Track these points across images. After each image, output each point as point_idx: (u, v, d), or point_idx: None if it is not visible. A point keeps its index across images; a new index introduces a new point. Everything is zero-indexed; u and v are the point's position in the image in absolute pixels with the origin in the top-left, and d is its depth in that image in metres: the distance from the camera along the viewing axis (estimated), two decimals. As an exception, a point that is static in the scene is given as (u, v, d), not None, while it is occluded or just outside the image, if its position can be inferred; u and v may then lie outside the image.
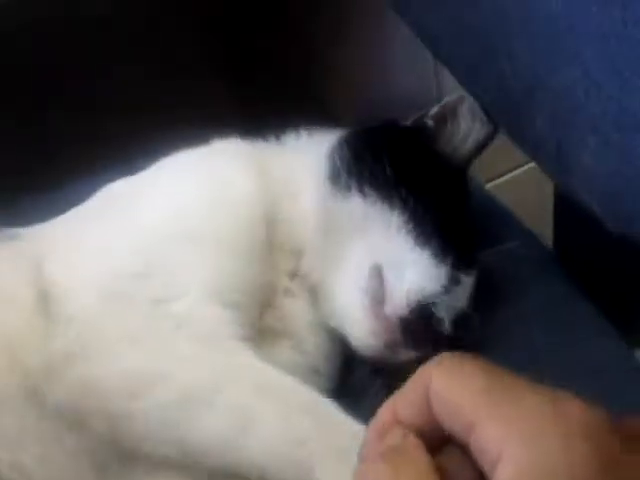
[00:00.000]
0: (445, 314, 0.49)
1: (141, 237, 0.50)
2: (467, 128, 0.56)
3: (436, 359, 0.31)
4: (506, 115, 0.53)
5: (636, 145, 0.40)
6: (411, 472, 0.29)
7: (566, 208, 0.65)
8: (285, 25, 0.85)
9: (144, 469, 0.44)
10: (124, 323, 0.46)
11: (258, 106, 0.57)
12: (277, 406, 0.43)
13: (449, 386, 0.30)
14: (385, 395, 0.32)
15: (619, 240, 0.45)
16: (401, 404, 0.31)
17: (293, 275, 0.54)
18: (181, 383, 0.43)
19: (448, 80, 0.57)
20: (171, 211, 0.52)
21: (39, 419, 0.43)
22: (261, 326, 0.51)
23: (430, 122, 0.56)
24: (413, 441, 0.30)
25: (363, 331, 0.50)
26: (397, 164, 0.53)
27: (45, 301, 0.47)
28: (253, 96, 0.56)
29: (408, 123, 0.58)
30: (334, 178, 0.53)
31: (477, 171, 0.61)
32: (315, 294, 0.54)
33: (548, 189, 0.67)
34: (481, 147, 0.57)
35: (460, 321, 0.51)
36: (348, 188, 0.52)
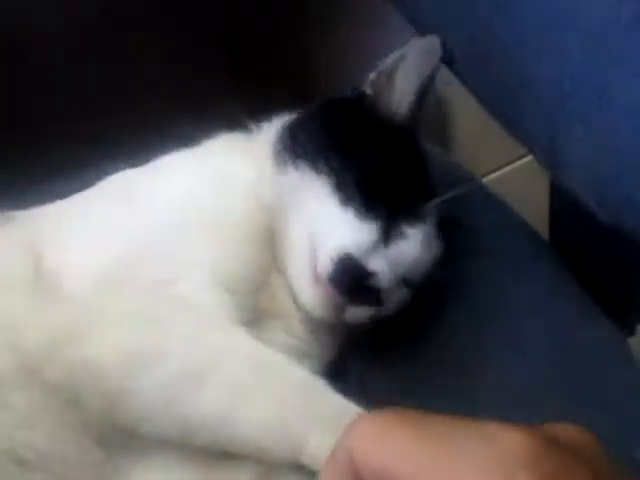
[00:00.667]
0: (384, 268, 0.50)
1: (144, 220, 0.51)
2: (403, 88, 0.56)
3: (353, 423, 0.30)
4: (501, 109, 0.54)
5: (621, 135, 0.41)
6: None
7: (562, 201, 0.66)
8: (285, 25, 0.85)
9: (147, 445, 0.45)
10: (123, 304, 0.46)
11: (258, 106, 0.58)
12: (272, 383, 0.44)
13: (376, 453, 0.28)
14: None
15: (614, 232, 0.46)
16: (332, 477, 0.30)
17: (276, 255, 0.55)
18: (179, 361, 0.44)
19: (446, 77, 0.58)
20: (174, 197, 0.52)
21: (43, 396, 0.43)
22: (256, 307, 0.52)
23: (368, 89, 0.57)
24: None
25: (308, 297, 0.51)
26: (328, 135, 0.54)
27: (42, 281, 0.47)
28: (253, 96, 0.56)
29: (347, 94, 0.59)
30: (277, 160, 0.55)
31: (474, 165, 0.62)
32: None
33: (545, 182, 0.68)
34: (421, 100, 0.57)
35: (415, 273, 0.52)
36: (285, 166, 0.54)
